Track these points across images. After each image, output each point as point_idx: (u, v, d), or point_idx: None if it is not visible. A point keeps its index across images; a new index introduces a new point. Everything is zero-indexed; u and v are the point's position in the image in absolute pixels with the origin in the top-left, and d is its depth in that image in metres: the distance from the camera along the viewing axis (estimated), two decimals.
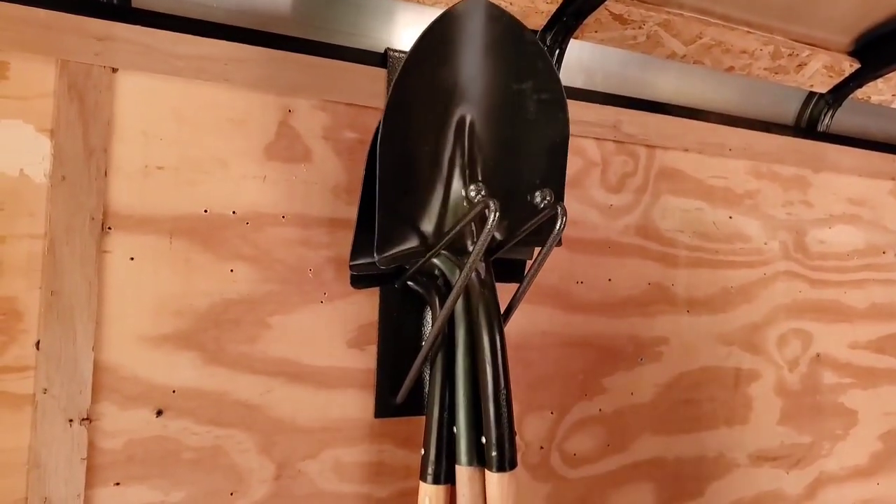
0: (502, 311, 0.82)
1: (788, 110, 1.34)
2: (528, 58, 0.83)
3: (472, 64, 0.80)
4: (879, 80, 1.27)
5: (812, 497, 1.25)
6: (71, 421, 0.75)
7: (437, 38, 0.77)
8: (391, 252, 0.77)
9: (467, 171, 0.80)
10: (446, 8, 0.94)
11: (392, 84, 0.75)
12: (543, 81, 0.84)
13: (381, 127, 0.73)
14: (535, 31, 1.01)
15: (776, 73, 1.21)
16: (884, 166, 1.37)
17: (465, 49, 0.79)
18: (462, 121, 0.80)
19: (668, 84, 1.21)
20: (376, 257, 0.76)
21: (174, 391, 0.80)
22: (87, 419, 0.76)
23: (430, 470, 0.79)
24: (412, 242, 0.78)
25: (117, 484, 0.77)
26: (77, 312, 0.76)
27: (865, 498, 1.31)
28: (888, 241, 1.37)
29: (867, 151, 1.35)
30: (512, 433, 0.74)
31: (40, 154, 0.75)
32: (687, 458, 1.13)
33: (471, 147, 0.81)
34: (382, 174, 0.74)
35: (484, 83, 0.81)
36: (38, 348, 0.74)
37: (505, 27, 0.82)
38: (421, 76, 0.76)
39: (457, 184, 0.79)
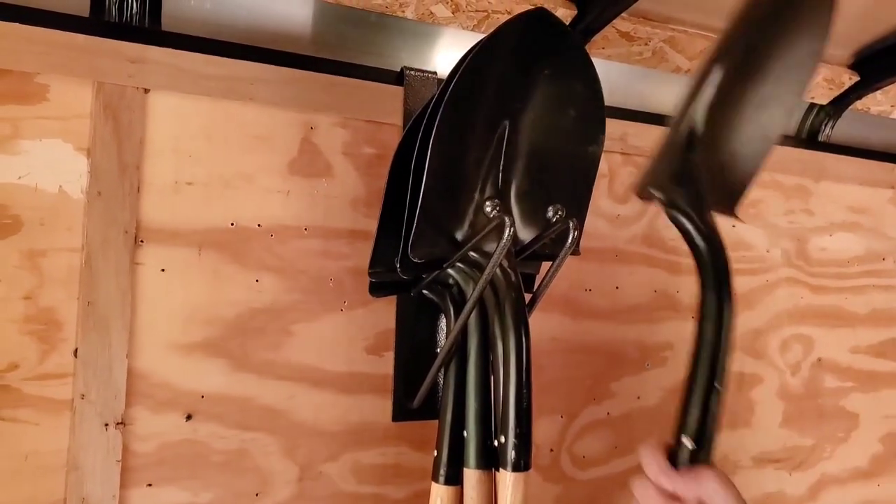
0: None
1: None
2: (582, 83, 0.82)
3: (524, 74, 0.79)
4: (878, 92, 1.30)
5: (814, 498, 1.28)
6: (106, 425, 0.79)
7: (499, 45, 0.75)
8: (424, 250, 0.78)
9: (493, 182, 0.82)
10: (458, 27, 0.98)
11: (452, 84, 0.72)
12: (592, 107, 0.83)
13: (436, 125, 0.73)
14: None
15: None
16: (883, 175, 1.40)
17: (520, 59, 0.78)
18: (503, 130, 0.80)
19: (672, 97, 1.25)
20: (409, 255, 0.76)
21: (203, 397, 0.84)
22: (121, 423, 0.80)
23: (442, 471, 0.83)
24: (443, 246, 0.79)
25: (150, 485, 0.81)
26: (112, 322, 0.80)
27: (867, 499, 1.34)
28: (888, 247, 1.41)
29: (867, 161, 1.39)
30: (531, 434, 0.77)
31: (77, 171, 0.80)
32: None
33: (504, 157, 0.81)
34: (430, 174, 0.74)
35: (530, 95, 0.81)
36: (76, 356, 0.78)
37: (568, 46, 0.80)
38: (477, 81, 0.75)
39: (479, 195, 0.82)
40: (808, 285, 1.31)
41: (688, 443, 0.57)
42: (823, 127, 1.36)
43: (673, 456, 0.57)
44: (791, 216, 1.31)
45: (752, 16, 0.66)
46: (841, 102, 1.32)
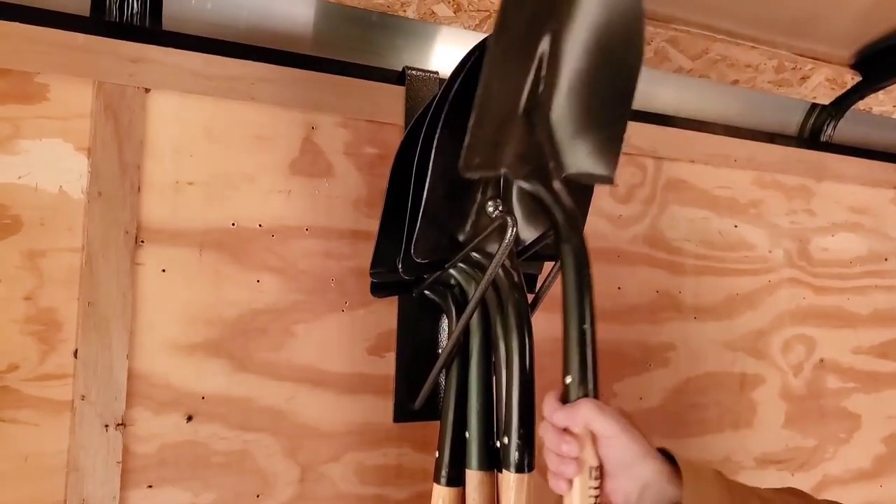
0: None
1: (792, 121, 1.37)
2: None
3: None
4: (880, 92, 1.30)
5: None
6: (107, 426, 0.79)
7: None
8: (427, 250, 0.77)
9: (494, 182, 0.81)
10: (460, 27, 0.98)
11: (455, 84, 0.72)
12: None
13: (440, 126, 0.72)
14: None
15: (780, 86, 1.25)
16: (885, 175, 1.40)
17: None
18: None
19: (674, 97, 1.25)
20: (412, 254, 0.76)
21: (203, 397, 0.84)
22: (121, 424, 0.79)
23: (443, 472, 0.82)
24: (445, 246, 0.79)
25: (150, 486, 0.81)
26: (112, 322, 0.80)
27: (869, 500, 1.34)
28: (890, 248, 1.40)
29: (869, 161, 1.39)
30: (534, 435, 0.76)
31: (78, 171, 0.79)
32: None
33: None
34: (433, 174, 0.73)
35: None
36: (76, 357, 0.78)
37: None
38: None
39: (481, 196, 0.81)
40: (811, 286, 1.31)
41: (568, 379, 0.64)
42: (825, 127, 1.36)
43: (564, 396, 0.64)
44: (793, 216, 1.31)
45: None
46: (843, 103, 1.32)
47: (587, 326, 0.67)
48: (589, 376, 0.65)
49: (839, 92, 1.29)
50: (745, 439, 1.22)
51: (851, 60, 1.27)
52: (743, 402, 1.22)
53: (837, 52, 1.25)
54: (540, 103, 0.71)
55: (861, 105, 1.33)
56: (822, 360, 1.31)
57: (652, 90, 1.21)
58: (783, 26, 1.16)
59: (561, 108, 0.73)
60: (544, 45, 0.70)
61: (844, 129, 1.37)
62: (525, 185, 0.71)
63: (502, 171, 0.67)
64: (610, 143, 0.72)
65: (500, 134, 0.68)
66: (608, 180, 0.72)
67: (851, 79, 1.26)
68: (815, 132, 1.37)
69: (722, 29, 1.14)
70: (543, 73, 0.70)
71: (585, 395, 0.65)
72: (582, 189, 0.84)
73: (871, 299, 1.37)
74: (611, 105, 0.74)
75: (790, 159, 1.31)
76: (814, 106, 1.36)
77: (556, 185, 0.72)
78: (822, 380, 1.31)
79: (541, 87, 0.71)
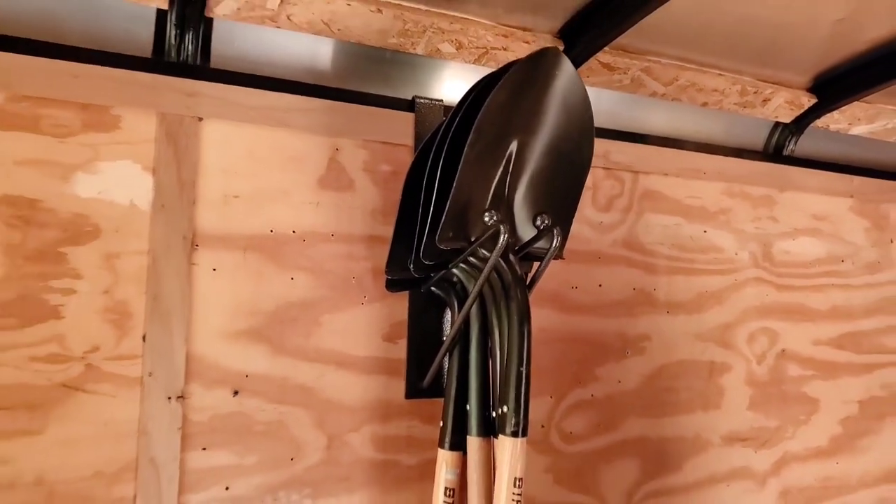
0: None
1: (758, 137, 1.53)
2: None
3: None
4: (836, 112, 1.46)
5: (777, 473, 1.44)
6: (169, 398, 0.95)
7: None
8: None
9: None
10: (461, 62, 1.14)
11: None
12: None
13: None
14: None
15: (744, 108, 1.41)
16: (842, 186, 1.56)
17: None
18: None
19: (654, 118, 1.41)
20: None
21: (247, 376, 1.00)
22: (181, 397, 0.96)
23: (447, 439, 0.98)
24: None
25: (204, 449, 0.97)
26: (173, 312, 0.96)
27: (826, 475, 1.50)
28: (846, 251, 1.56)
29: (827, 173, 1.55)
30: (528, 405, 0.91)
31: (145, 188, 0.96)
32: (667, 438, 1.33)
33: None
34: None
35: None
36: (144, 340, 0.94)
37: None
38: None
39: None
40: (774, 284, 1.47)
41: (504, 409, 0.84)
42: (787, 143, 1.52)
43: (500, 423, 0.84)
44: (758, 223, 1.47)
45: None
46: (802, 121, 1.48)
47: (523, 369, 0.89)
48: (521, 409, 0.88)
49: (798, 112, 1.45)
50: (714, 419, 1.38)
51: (808, 84, 1.43)
52: (711, 386, 1.38)
53: (796, 78, 1.41)
54: (506, 193, 0.94)
55: (819, 123, 1.49)
56: (783, 351, 1.47)
57: (629, 112, 1.38)
58: (746, 56, 1.32)
59: (521, 197, 0.96)
60: (512, 148, 0.93)
61: (805, 145, 1.53)
62: (486, 254, 0.91)
63: (471, 241, 0.89)
64: (562, 226, 0.96)
65: (470, 216, 0.90)
66: (559, 256, 0.97)
67: (808, 101, 1.42)
68: (779, 147, 1.53)
69: (691, 59, 1.30)
70: (510, 169, 0.93)
71: (517, 424, 0.86)
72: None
73: (828, 296, 1.53)
74: (564, 194, 0.97)
75: (755, 172, 1.47)
76: (777, 124, 1.52)
77: (511, 257, 0.94)
78: (784, 368, 1.47)
79: (507, 181, 0.93)
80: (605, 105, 1.35)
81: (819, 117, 1.46)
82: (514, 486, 0.90)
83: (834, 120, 1.49)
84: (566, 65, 0.93)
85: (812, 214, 1.53)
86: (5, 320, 0.87)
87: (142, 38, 1.01)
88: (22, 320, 0.88)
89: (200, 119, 1.00)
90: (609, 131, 1.32)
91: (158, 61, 1.00)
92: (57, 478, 0.89)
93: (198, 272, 0.98)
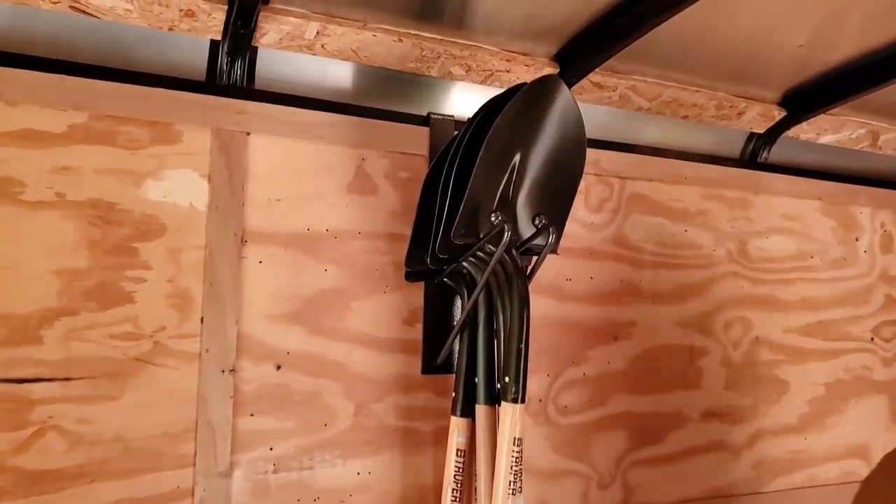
0: None
1: (735, 146, 1.70)
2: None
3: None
4: (804, 123, 1.63)
5: (751, 447, 1.61)
6: (223, 371, 1.12)
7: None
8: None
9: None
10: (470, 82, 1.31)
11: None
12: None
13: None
14: None
15: (721, 120, 1.58)
16: (811, 189, 1.73)
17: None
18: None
19: (646, 129, 1.58)
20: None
21: (288, 353, 1.17)
22: (233, 370, 1.13)
23: (458, 407, 1.14)
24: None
25: (252, 415, 1.14)
26: (226, 298, 1.13)
27: (795, 450, 1.67)
28: (815, 248, 1.73)
29: (798, 177, 1.71)
30: (527, 376, 1.07)
31: (202, 192, 1.13)
32: (651, 413, 1.49)
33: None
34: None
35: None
36: (202, 322, 1.11)
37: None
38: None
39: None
40: (748, 278, 1.64)
41: (506, 378, 1.02)
42: (762, 151, 1.69)
43: (503, 390, 1.01)
44: (734, 222, 1.63)
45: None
46: (774, 132, 1.65)
47: (523, 346, 1.06)
48: (521, 379, 1.04)
49: (770, 124, 1.62)
50: (693, 398, 1.55)
51: (779, 99, 1.60)
52: (691, 368, 1.55)
53: (768, 94, 1.58)
54: (510, 196, 1.11)
55: (790, 133, 1.66)
56: (757, 338, 1.64)
57: (617, 125, 1.54)
58: (722, 75, 1.49)
59: (523, 200, 1.13)
60: (516, 159, 1.10)
61: (778, 153, 1.70)
62: (493, 249, 1.09)
63: (480, 237, 1.07)
64: (557, 225, 1.13)
65: (479, 216, 1.09)
66: (554, 251, 1.14)
67: (779, 113, 1.59)
68: (754, 155, 1.70)
69: (672, 78, 1.47)
70: (514, 177, 1.10)
71: (516, 392, 1.03)
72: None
73: (798, 289, 1.70)
74: (559, 197, 1.15)
75: (732, 177, 1.64)
76: (752, 134, 1.68)
77: (514, 252, 1.11)
78: (757, 353, 1.64)
79: (511, 186, 1.10)
80: (602, 119, 1.51)
81: (790, 128, 1.63)
82: (514, 444, 1.07)
83: (803, 130, 1.65)
84: (563, 90, 1.11)
85: (783, 215, 1.70)
86: (89, 304, 1.05)
87: (196, 65, 1.18)
88: (102, 304, 1.05)
89: (248, 133, 1.16)
90: (600, 142, 1.49)
91: (212, 84, 1.17)
92: (132, 436, 1.06)
93: (246, 264, 1.15)
